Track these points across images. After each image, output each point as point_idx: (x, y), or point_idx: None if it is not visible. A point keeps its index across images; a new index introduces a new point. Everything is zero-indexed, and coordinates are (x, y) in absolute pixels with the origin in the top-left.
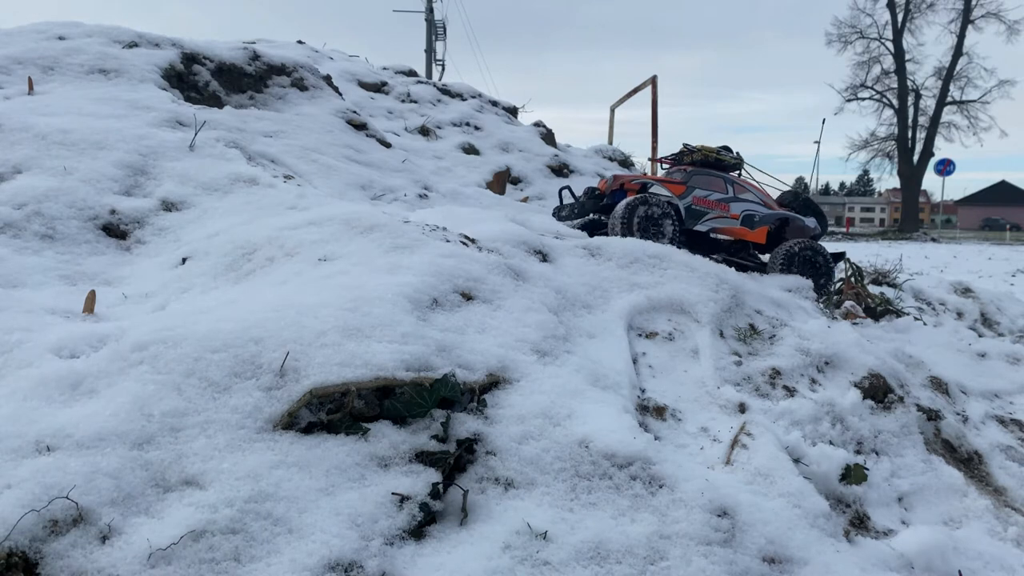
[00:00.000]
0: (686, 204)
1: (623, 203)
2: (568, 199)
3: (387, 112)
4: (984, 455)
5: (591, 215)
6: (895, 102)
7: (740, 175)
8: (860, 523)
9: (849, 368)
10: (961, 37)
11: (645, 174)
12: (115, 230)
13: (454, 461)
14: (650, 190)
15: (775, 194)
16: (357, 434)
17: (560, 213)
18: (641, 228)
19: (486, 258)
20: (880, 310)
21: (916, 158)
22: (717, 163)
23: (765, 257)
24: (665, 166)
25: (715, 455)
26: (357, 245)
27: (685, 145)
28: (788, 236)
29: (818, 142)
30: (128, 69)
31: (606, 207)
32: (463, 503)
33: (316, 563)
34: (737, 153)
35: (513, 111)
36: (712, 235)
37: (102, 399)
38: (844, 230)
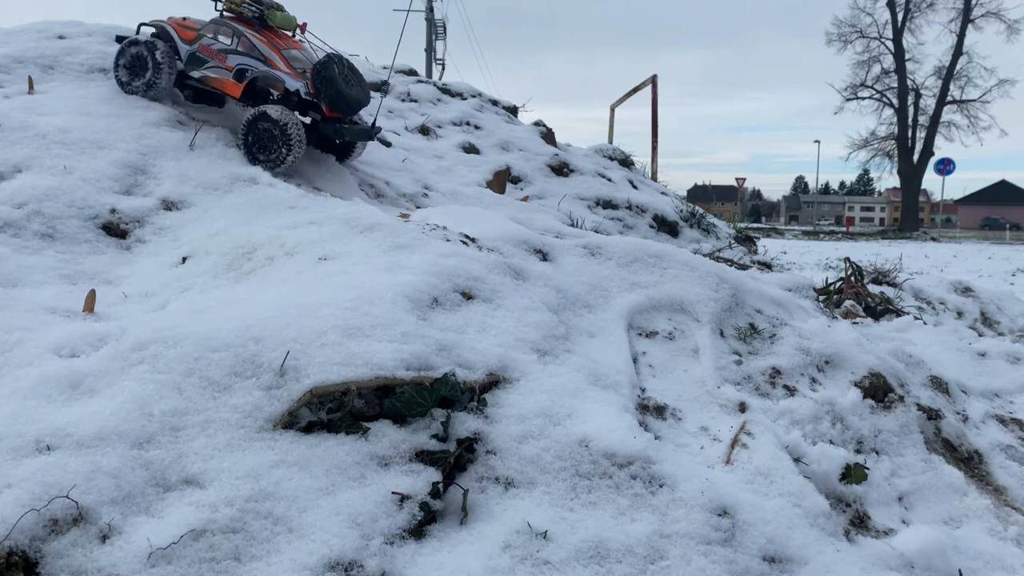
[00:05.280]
0: (191, 50)
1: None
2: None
3: (387, 111)
4: (984, 454)
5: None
6: (895, 101)
7: (298, 36)
8: (860, 522)
9: (849, 367)
10: (961, 36)
11: (185, 19)
12: (115, 229)
13: (454, 460)
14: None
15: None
16: (357, 433)
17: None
18: (123, 68)
19: (486, 257)
20: (880, 309)
21: (916, 157)
22: (239, 13)
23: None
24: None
25: (715, 454)
26: (357, 244)
27: None
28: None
29: None
30: None
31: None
32: (463, 502)
33: (316, 562)
34: (273, 6)
35: (513, 110)
36: (202, 84)
37: (102, 398)
38: (844, 229)
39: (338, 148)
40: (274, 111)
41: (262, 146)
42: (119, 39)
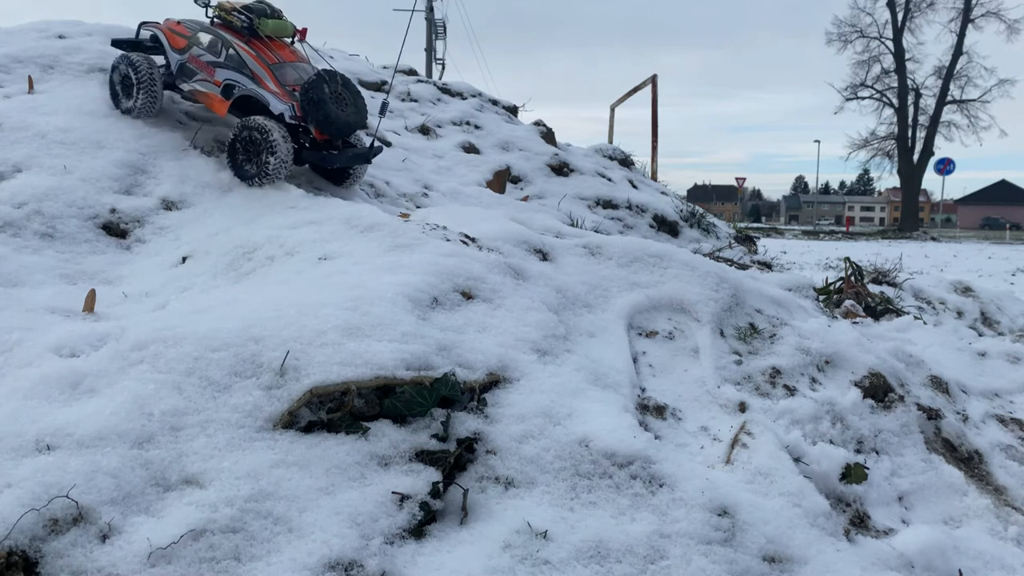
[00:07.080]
0: (181, 60)
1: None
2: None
3: (387, 111)
4: (984, 454)
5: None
6: (895, 101)
7: (300, 46)
8: (860, 522)
9: (849, 367)
10: (961, 36)
11: (180, 23)
12: (115, 229)
13: (454, 460)
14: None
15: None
16: (357, 433)
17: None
18: (118, 85)
19: (486, 257)
20: (880, 309)
21: (916, 157)
22: (229, 23)
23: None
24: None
25: (715, 454)
26: (357, 244)
27: None
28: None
29: None
30: None
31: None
32: (463, 502)
33: (316, 562)
34: (265, 14)
35: (513, 110)
36: (191, 99)
37: (102, 398)
38: (844, 229)
39: (334, 172)
40: (260, 118)
41: (248, 156)
42: (115, 43)
